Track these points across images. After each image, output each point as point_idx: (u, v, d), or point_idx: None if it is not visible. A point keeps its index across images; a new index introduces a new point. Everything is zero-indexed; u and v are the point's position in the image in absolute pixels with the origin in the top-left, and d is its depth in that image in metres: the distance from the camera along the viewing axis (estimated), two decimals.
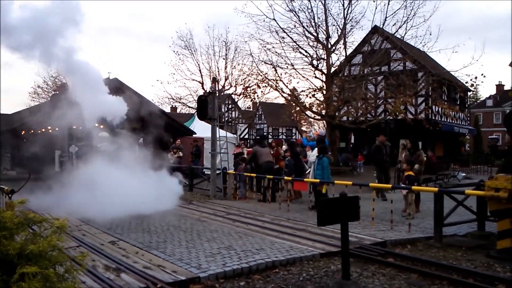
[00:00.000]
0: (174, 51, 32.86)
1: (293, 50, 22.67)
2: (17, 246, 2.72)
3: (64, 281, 2.80)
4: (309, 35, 22.39)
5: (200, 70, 30.92)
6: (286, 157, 12.01)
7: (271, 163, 11.83)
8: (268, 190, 11.14)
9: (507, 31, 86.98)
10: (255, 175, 11.18)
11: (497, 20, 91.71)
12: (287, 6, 22.21)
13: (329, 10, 22.30)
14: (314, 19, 22.17)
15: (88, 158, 10.16)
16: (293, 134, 52.74)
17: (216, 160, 12.57)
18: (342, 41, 22.56)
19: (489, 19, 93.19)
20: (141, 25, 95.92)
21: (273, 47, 22.72)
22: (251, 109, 47.49)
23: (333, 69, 23.08)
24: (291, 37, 22.50)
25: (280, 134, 52.13)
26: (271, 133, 50.49)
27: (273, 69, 22.94)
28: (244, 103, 40.10)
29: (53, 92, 28.22)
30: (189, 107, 32.56)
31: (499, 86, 56.61)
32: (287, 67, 22.75)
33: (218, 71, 30.49)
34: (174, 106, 35.36)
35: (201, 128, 19.68)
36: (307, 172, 11.28)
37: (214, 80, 15.71)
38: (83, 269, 3.18)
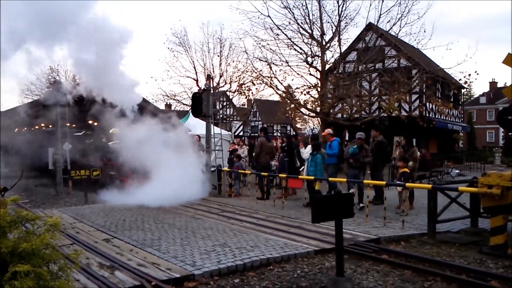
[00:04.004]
0: (168, 48, 32.61)
1: (288, 47, 22.59)
2: (9, 244, 2.71)
3: (57, 279, 2.79)
4: (303, 32, 22.32)
5: (194, 67, 30.77)
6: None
7: (268, 162, 11.84)
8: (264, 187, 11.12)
9: (501, 29, 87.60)
10: (249, 172, 11.15)
11: (490, 18, 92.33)
12: (282, 3, 22.11)
13: (323, 7, 22.23)
14: (308, 16, 22.10)
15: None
16: (288, 131, 52.76)
17: (210, 157, 12.55)
18: (336, 38, 22.49)
19: (482, 17, 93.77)
20: (135, 22, 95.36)
21: (268, 44, 22.60)
22: (246, 106, 47.41)
23: (327, 66, 23.04)
24: (285, 34, 22.41)
25: (274, 131, 52.10)
26: None
27: (268, 66, 22.86)
28: (238, 100, 40.02)
29: (46, 89, 27.99)
30: (184, 104, 32.42)
31: (492, 84, 56.93)
32: (281, 64, 22.66)
33: (213, 68, 30.39)
34: (168, 103, 35.25)
35: (195, 126, 19.61)
36: (301, 169, 11.28)
37: (209, 77, 15.61)
38: (76, 267, 3.17)
